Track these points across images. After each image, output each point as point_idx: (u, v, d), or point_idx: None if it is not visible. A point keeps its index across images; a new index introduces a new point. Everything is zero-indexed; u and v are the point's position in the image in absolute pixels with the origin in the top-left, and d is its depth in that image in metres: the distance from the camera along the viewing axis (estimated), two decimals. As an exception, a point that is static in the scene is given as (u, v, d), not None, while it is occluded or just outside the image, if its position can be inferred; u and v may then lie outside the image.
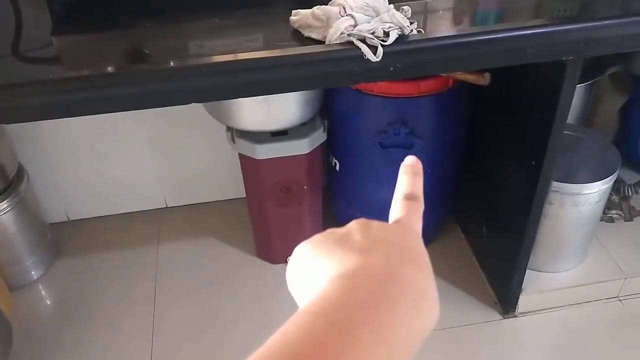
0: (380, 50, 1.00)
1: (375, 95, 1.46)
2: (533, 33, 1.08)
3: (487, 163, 1.66)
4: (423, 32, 1.05)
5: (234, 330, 1.65)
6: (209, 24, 1.20)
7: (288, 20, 1.09)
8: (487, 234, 1.73)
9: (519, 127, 1.43)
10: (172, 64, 1.06)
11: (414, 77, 1.40)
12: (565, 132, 1.35)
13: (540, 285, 1.66)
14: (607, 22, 1.11)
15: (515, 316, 1.66)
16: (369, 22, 1.02)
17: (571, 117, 1.65)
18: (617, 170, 1.51)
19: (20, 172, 1.71)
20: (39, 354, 1.61)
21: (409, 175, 0.42)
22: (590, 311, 1.68)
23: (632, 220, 1.83)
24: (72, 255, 1.88)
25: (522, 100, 1.40)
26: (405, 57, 1.04)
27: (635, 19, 1.11)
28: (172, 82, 1.05)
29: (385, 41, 1.00)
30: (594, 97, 1.81)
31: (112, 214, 2.00)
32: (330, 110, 1.61)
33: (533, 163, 1.34)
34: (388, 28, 1.01)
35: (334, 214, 1.84)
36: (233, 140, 1.56)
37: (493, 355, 1.58)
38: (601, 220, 1.71)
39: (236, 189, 1.83)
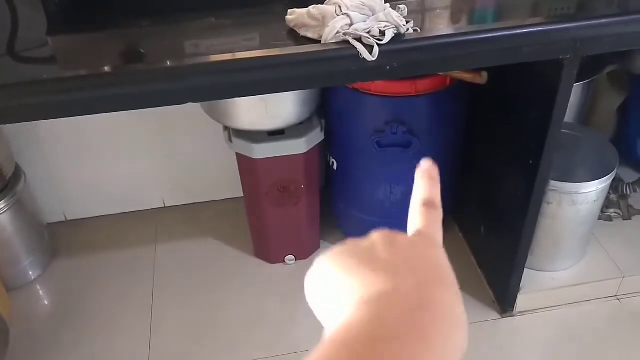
0: (376, 49, 0.99)
1: (373, 95, 1.46)
2: (529, 32, 1.07)
3: (485, 162, 1.66)
4: (419, 31, 1.05)
5: (231, 329, 1.65)
6: (205, 24, 1.20)
7: (284, 20, 1.08)
8: (485, 233, 1.73)
9: (517, 126, 1.42)
10: (168, 63, 1.05)
11: (411, 76, 1.39)
12: (563, 130, 1.34)
13: (538, 285, 1.66)
14: (603, 20, 1.11)
15: (513, 315, 1.66)
16: (365, 21, 1.02)
17: (569, 116, 1.65)
18: (615, 169, 1.51)
19: (18, 173, 1.71)
20: (37, 354, 1.60)
21: (427, 181, 0.41)
22: (588, 310, 1.68)
23: (630, 219, 1.83)
24: (69, 256, 1.88)
25: (519, 99, 1.40)
26: (401, 56, 1.03)
27: (632, 17, 1.11)
28: (168, 82, 1.05)
29: (381, 40, 1.00)
30: (592, 96, 1.81)
31: (110, 213, 2.00)
32: (327, 110, 1.60)
33: (530, 162, 1.34)
34: (384, 27, 1.01)
35: (332, 214, 1.84)
36: (230, 140, 1.55)
37: (491, 355, 1.58)
38: (599, 219, 1.71)
39: (234, 189, 1.83)
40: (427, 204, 0.40)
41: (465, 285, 1.70)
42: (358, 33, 1.00)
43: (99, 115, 1.08)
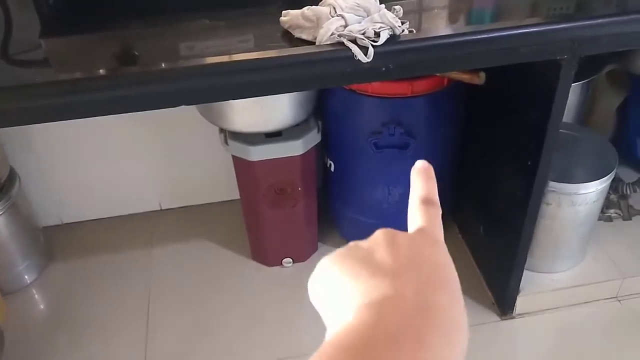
0: (371, 50, 0.98)
1: (369, 96, 1.45)
2: (526, 32, 1.06)
3: (483, 163, 1.65)
4: (414, 32, 1.04)
5: (228, 333, 1.63)
6: (198, 25, 1.18)
7: (278, 21, 1.07)
8: (484, 234, 1.72)
9: (515, 126, 1.41)
10: (162, 66, 1.04)
11: (407, 78, 1.38)
12: (561, 131, 1.33)
13: (538, 286, 1.65)
14: (601, 20, 1.09)
15: (513, 317, 1.65)
16: (360, 23, 1.01)
17: (568, 116, 1.64)
18: (615, 170, 1.50)
19: (12, 176, 1.70)
20: (32, 358, 1.59)
21: (423, 179, 0.41)
22: (588, 312, 1.66)
23: (630, 219, 1.81)
24: (65, 259, 1.87)
25: (517, 100, 1.39)
26: (396, 57, 1.02)
27: (630, 17, 1.10)
28: (162, 85, 1.03)
29: (376, 42, 0.99)
30: (591, 96, 1.80)
31: (106, 216, 1.99)
32: (324, 111, 1.59)
33: (529, 163, 1.33)
34: (379, 28, 0.99)
35: (329, 216, 1.82)
36: (226, 142, 1.54)
37: (491, 357, 1.57)
38: (599, 219, 1.69)
39: (231, 191, 1.82)
40: (426, 202, 0.40)
41: (465, 287, 1.61)
42: (353, 34, 0.99)
43: (95, 118, 1.07)
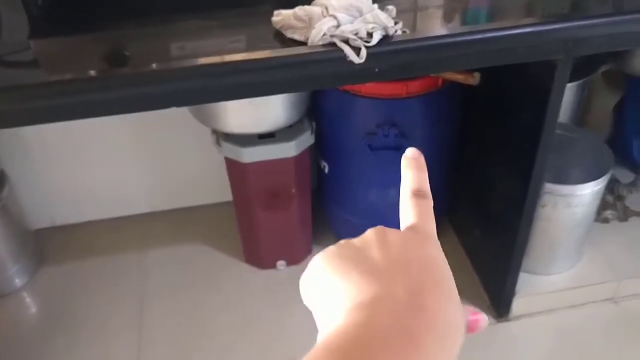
0: (363, 51, 0.96)
1: (364, 96, 1.43)
2: (519, 33, 1.04)
3: (479, 164, 1.64)
4: (408, 32, 1.02)
5: (222, 336, 1.62)
6: (189, 26, 1.17)
7: (270, 21, 1.05)
8: (480, 236, 1.71)
9: (510, 127, 1.40)
10: (153, 67, 1.02)
11: (401, 78, 1.37)
12: (557, 131, 1.32)
13: (534, 288, 1.64)
14: (595, 21, 1.08)
15: (509, 320, 1.64)
16: (352, 23, 0.99)
17: (564, 116, 1.63)
18: (610, 171, 1.48)
19: (2, 179, 1.68)
20: (23, 364, 1.58)
21: (414, 169, 0.40)
22: (585, 313, 1.65)
23: (627, 220, 1.80)
24: (57, 262, 1.85)
25: (512, 100, 1.38)
26: (389, 58, 1.01)
27: (623, 17, 1.09)
28: (153, 86, 1.02)
29: (369, 42, 0.97)
30: (587, 95, 1.79)
31: (99, 218, 1.97)
32: (318, 112, 1.58)
33: (524, 164, 1.31)
34: (372, 29, 0.98)
35: (324, 217, 1.81)
36: (219, 144, 1.53)
37: (487, 360, 1.56)
38: (595, 220, 1.68)
39: (224, 193, 1.79)
40: (417, 194, 0.39)
41: (460, 289, 1.61)
42: (345, 35, 0.97)
43: (87, 119, 1.06)
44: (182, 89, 1.03)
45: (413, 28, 1.07)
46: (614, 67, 1.70)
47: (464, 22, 1.20)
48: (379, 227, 0.37)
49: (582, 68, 1.59)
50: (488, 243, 1.66)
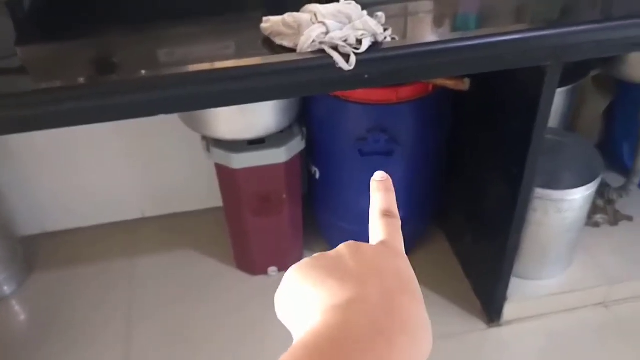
0: (353, 58, 0.96)
1: (354, 102, 1.43)
2: (509, 40, 1.05)
3: (469, 169, 1.63)
4: (397, 39, 1.02)
5: (212, 343, 1.61)
6: (178, 32, 1.16)
7: (259, 28, 1.05)
8: (471, 241, 1.70)
9: (500, 133, 1.40)
10: (142, 74, 1.01)
11: (391, 85, 1.36)
12: (548, 136, 1.32)
13: (525, 293, 1.63)
14: (583, 27, 1.08)
15: (500, 325, 1.63)
16: (342, 29, 0.99)
17: (554, 121, 1.63)
18: (601, 176, 1.49)
19: (-10, 186, 1.67)
20: (12, 372, 1.56)
21: (382, 191, 0.42)
22: (576, 318, 1.65)
23: (617, 224, 1.81)
24: (46, 269, 1.83)
25: (502, 106, 1.38)
26: (379, 65, 1.00)
27: (610, 24, 1.09)
28: (142, 94, 1.01)
29: (358, 49, 0.97)
30: (577, 100, 1.79)
31: (88, 225, 1.95)
32: (308, 118, 1.57)
33: (514, 169, 1.31)
34: (361, 35, 0.97)
35: (314, 223, 1.80)
36: (208, 150, 1.52)
37: (478, 365, 1.55)
38: (586, 225, 1.68)
39: (214, 198, 1.79)
40: (386, 214, 0.41)
41: (452, 295, 1.67)
42: (334, 42, 0.97)
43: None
44: (171, 96, 1.02)
45: (403, 35, 1.07)
46: (604, 72, 1.71)
47: (453, 29, 1.20)
48: (351, 241, 0.38)
49: (572, 73, 1.59)
50: (479, 248, 1.66)
